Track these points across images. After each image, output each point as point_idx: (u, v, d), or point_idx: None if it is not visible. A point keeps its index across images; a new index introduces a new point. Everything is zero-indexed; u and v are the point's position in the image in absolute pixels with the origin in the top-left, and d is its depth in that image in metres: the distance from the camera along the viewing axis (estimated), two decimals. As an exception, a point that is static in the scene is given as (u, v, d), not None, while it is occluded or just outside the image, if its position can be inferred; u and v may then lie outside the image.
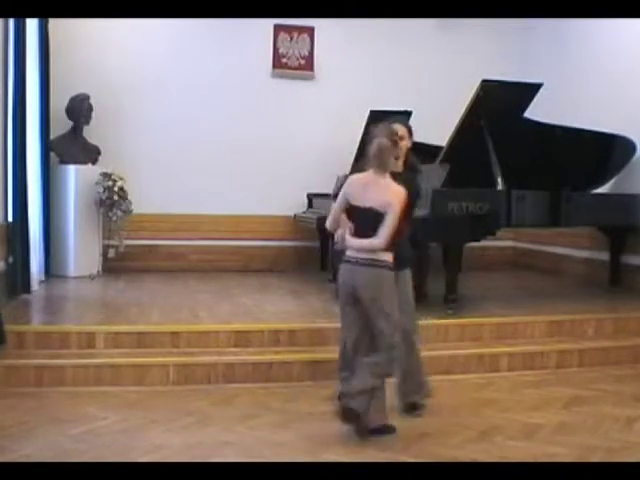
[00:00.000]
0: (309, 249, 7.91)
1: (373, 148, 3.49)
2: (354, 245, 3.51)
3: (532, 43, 8.32)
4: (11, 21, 5.50)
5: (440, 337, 4.95)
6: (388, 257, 3.47)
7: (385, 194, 3.45)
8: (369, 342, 3.55)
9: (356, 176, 3.63)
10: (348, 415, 3.43)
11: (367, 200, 3.46)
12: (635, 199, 6.28)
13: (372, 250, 3.44)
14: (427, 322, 4.69)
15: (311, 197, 7.77)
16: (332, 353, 4.22)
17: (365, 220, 3.48)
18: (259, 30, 7.87)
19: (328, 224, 3.69)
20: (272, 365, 4.46)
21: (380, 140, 3.48)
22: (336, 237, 3.74)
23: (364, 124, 6.84)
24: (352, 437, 3.48)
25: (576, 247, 7.48)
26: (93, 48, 7.43)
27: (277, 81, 8.09)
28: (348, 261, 3.52)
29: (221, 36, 7.81)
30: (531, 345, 5.03)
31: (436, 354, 4.61)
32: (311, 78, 8.16)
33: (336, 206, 3.62)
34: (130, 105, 7.56)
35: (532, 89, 5.62)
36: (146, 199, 7.35)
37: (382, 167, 3.49)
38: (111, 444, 3.35)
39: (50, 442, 3.35)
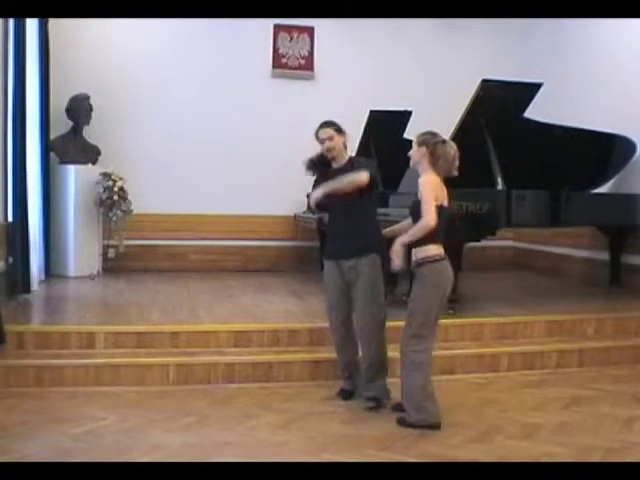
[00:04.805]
0: (309, 249, 7.91)
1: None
2: None
3: (532, 43, 8.32)
4: (11, 21, 5.50)
5: (440, 337, 4.86)
6: None
7: None
8: None
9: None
10: None
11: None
12: (635, 199, 6.27)
13: None
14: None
15: (311, 197, 7.75)
16: (332, 353, 4.22)
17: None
18: (259, 30, 7.88)
19: None
20: (272, 365, 4.46)
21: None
22: None
23: (364, 124, 6.84)
24: (352, 437, 3.49)
25: (576, 247, 7.48)
26: (93, 48, 7.44)
27: (277, 81, 8.09)
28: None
29: (221, 36, 7.82)
30: (531, 345, 5.02)
31: (436, 354, 4.55)
32: (311, 78, 8.16)
33: None
34: (130, 105, 7.57)
35: (532, 89, 5.61)
36: (146, 199, 7.36)
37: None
38: (111, 444, 3.35)
39: (50, 442, 3.35)
